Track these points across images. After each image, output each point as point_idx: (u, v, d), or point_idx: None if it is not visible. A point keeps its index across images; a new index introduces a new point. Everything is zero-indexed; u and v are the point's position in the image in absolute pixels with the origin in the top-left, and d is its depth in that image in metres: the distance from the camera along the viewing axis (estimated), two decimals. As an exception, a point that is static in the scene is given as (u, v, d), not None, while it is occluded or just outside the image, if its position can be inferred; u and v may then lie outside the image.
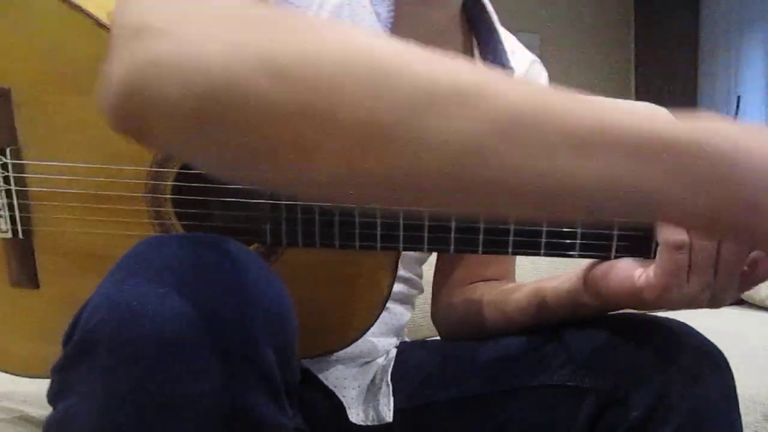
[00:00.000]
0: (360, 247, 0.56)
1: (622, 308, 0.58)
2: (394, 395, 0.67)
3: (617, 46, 4.68)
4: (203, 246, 0.38)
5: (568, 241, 0.56)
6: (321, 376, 0.67)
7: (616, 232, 0.56)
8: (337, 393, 0.66)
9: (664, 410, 0.53)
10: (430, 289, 0.80)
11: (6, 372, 0.62)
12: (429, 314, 0.81)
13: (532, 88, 0.33)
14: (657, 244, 0.52)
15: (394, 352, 0.73)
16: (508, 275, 0.77)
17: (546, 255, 0.56)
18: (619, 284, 0.55)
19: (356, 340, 0.61)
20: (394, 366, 0.70)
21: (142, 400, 0.33)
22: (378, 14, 0.58)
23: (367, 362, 0.70)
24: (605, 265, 0.56)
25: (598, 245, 0.56)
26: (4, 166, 0.56)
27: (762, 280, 0.52)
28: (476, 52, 0.68)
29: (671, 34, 4.50)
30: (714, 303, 0.52)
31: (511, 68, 0.68)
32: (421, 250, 0.62)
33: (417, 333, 1.07)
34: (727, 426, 0.53)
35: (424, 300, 0.80)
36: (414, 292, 0.76)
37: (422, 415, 0.66)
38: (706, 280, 0.50)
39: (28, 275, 0.58)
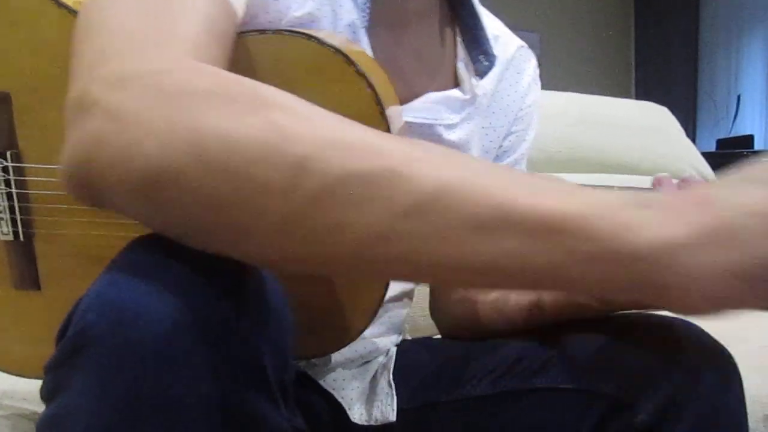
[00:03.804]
0: None
1: (624, 309, 0.58)
2: (396, 395, 0.66)
3: (617, 46, 4.69)
4: None
5: None
6: (320, 381, 0.66)
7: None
8: (335, 394, 0.66)
9: (672, 413, 0.52)
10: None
11: (7, 372, 0.61)
12: (428, 311, 0.80)
13: (448, 165, 0.34)
14: None
15: (394, 349, 0.73)
16: None
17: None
18: None
19: (353, 340, 0.60)
20: (395, 366, 0.70)
21: (137, 400, 0.32)
22: (355, 1, 0.58)
23: (368, 361, 0.70)
24: None
25: None
26: (5, 170, 0.56)
27: None
28: (458, 38, 0.67)
29: (671, 34, 4.51)
30: None
31: (492, 54, 0.68)
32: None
33: (417, 332, 1.06)
34: (736, 428, 0.53)
35: (424, 297, 0.80)
36: (410, 286, 0.76)
37: (424, 415, 0.66)
38: None
39: (30, 277, 0.58)
